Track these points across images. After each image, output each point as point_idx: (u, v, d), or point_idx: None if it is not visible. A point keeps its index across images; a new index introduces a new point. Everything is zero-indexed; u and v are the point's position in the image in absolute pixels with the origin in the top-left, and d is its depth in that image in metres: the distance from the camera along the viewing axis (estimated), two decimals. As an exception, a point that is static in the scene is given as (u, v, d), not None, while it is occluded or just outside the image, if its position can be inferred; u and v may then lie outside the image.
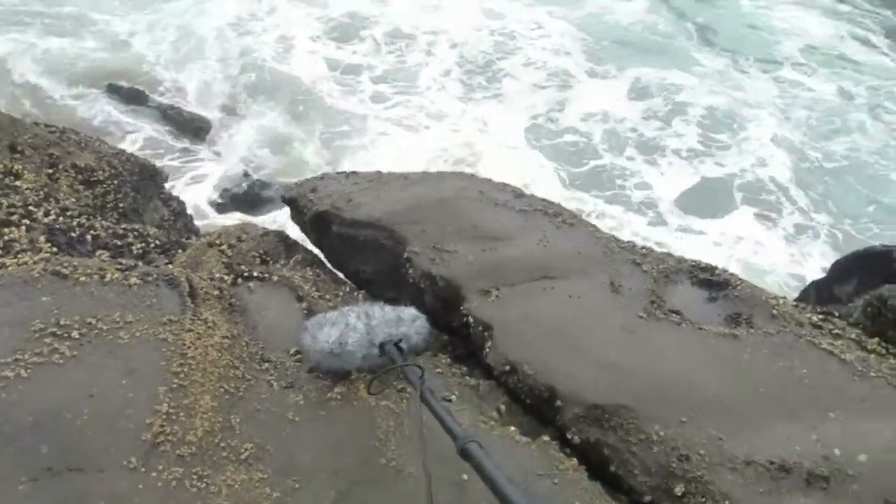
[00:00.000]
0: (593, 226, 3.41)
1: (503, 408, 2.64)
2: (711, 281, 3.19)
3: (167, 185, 5.00)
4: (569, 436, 2.53)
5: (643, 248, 3.37)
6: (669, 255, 3.43)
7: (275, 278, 3.10)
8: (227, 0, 15.06)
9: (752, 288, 3.19)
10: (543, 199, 3.51)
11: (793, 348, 2.74)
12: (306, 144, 11.14)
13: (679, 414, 2.50)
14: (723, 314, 3.03)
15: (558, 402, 2.54)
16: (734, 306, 3.07)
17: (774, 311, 3.01)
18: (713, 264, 3.33)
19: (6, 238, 3.03)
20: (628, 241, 3.41)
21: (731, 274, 3.29)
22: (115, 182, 4.12)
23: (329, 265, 3.63)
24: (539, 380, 2.58)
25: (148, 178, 4.56)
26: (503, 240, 3.13)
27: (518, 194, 3.51)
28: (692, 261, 3.34)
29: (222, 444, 2.20)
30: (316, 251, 3.78)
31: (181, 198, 5.19)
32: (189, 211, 5.16)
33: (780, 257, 8.91)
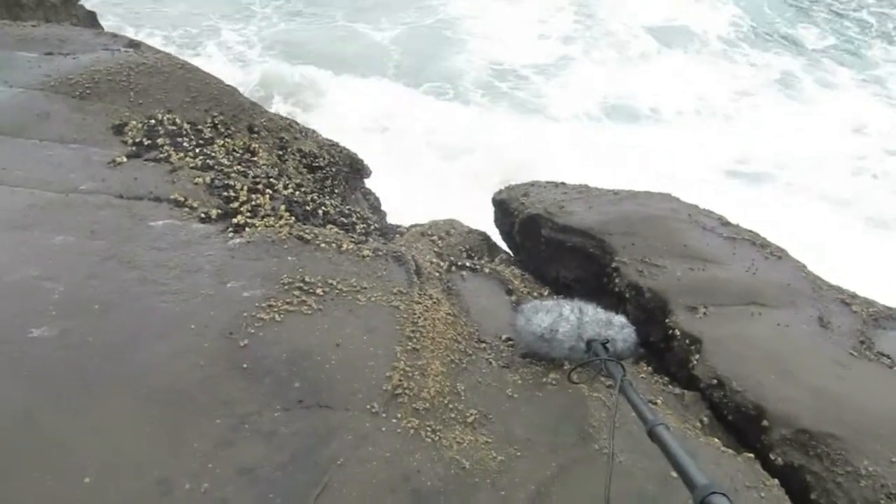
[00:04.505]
0: (801, 262, 3.41)
1: (706, 420, 2.68)
2: (923, 331, 3.11)
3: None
4: (772, 456, 2.54)
5: (851, 291, 3.34)
6: (876, 301, 3.37)
7: (486, 270, 3.29)
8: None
9: (967, 344, 3.08)
10: (750, 230, 3.54)
11: None
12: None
13: (890, 453, 2.47)
14: (936, 365, 2.95)
15: (765, 422, 2.57)
16: (948, 359, 2.99)
17: None
18: (924, 316, 3.25)
19: (253, 203, 3.37)
20: (835, 284, 3.37)
21: (945, 328, 3.20)
22: (333, 170, 4.48)
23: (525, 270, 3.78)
24: (748, 397, 2.62)
25: (354, 172, 4.90)
26: (712, 262, 3.19)
27: (724, 222, 3.56)
28: (902, 309, 3.27)
29: (450, 406, 2.38)
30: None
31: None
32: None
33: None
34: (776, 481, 2.44)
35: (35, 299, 2.58)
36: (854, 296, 3.28)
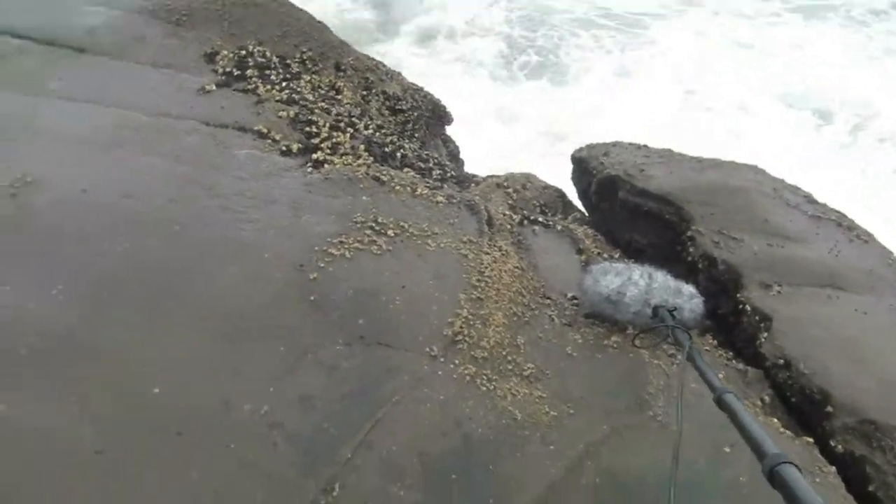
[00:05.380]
0: (888, 249, 3.27)
1: (767, 399, 2.63)
2: None
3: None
4: (832, 443, 2.48)
5: (939, 282, 3.19)
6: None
7: (558, 227, 3.27)
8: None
9: None
10: (837, 210, 3.40)
11: None
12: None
13: (959, 454, 2.38)
14: None
15: (829, 408, 2.50)
16: None
17: None
18: None
19: (334, 140, 3.41)
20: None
21: None
22: (415, 114, 4.49)
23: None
24: (814, 380, 2.55)
25: (437, 118, 4.89)
26: (792, 240, 3.09)
27: (811, 200, 3.43)
28: None
29: (509, 358, 2.40)
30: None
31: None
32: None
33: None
34: (833, 469, 2.39)
35: (119, 216, 2.69)
36: (943, 288, 3.13)
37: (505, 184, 3.63)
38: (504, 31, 13.94)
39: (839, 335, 2.70)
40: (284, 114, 3.52)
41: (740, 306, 2.91)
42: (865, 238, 3.25)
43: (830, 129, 11.86)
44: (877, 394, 2.50)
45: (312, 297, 2.45)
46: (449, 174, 3.67)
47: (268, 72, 3.94)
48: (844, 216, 3.39)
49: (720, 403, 1.97)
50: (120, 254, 2.52)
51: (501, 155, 8.74)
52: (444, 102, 4.95)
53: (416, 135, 4.42)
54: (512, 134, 10.21)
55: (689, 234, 3.17)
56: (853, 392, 2.51)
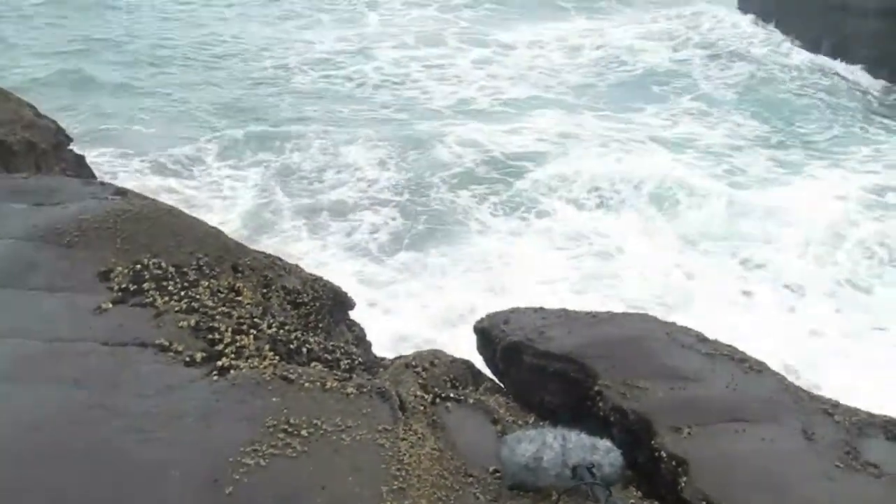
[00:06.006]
0: (781, 374, 3.46)
1: (699, 544, 2.66)
2: (909, 439, 3.14)
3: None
4: (769, 579, 2.51)
5: (833, 400, 3.37)
6: (859, 409, 3.40)
7: (471, 400, 3.32)
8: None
9: (954, 449, 3.10)
10: (728, 345, 3.60)
11: None
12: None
13: (885, 569, 2.45)
14: (924, 473, 2.95)
15: (758, 544, 2.55)
16: (937, 466, 2.99)
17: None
18: (910, 422, 3.28)
19: (238, 344, 3.41)
20: (817, 394, 3.42)
21: (931, 434, 3.22)
22: (317, 304, 4.55)
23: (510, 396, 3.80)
24: (738, 518, 2.61)
25: (338, 305, 4.96)
26: (693, 380, 3.24)
27: (702, 338, 3.63)
28: (885, 416, 3.30)
29: (439, 546, 2.36)
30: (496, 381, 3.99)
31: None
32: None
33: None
34: None
35: (19, 452, 2.58)
36: (836, 405, 3.31)
37: (413, 363, 3.68)
38: (394, 200, 14.14)
39: (753, 467, 2.80)
40: (185, 323, 3.52)
41: (656, 453, 2.98)
42: (759, 368, 3.43)
43: (722, 257, 12.53)
44: (799, 522, 2.58)
45: (230, 514, 2.38)
46: (357, 362, 3.70)
47: (165, 283, 3.95)
48: (736, 349, 3.59)
49: None
50: (24, 493, 2.40)
51: (406, 331, 8.85)
52: (344, 288, 5.04)
53: (321, 325, 4.46)
54: (413, 308, 10.32)
55: (596, 388, 3.28)
56: (776, 524, 2.58)
